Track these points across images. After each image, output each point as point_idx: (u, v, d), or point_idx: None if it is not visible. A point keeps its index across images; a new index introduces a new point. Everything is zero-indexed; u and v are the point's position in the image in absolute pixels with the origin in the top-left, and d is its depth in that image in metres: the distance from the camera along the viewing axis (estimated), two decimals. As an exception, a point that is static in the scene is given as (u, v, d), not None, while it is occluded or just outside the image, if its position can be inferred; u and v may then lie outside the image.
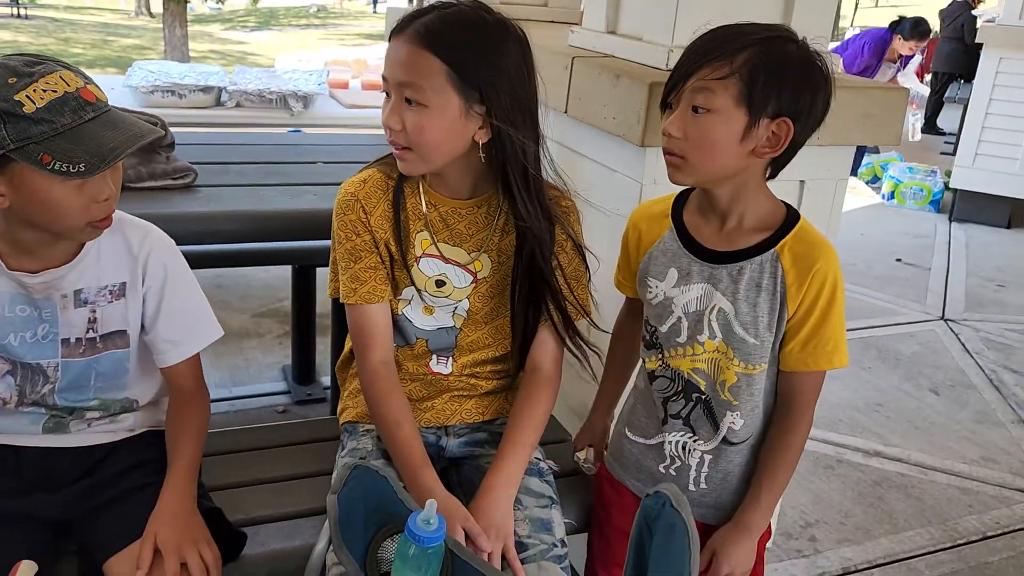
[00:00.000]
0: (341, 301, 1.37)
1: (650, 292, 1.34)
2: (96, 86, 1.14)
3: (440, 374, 1.44)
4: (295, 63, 7.90)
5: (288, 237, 1.84)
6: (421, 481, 1.27)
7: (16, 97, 1.04)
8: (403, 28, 1.23)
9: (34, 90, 1.05)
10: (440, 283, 1.37)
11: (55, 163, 1.05)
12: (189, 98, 3.50)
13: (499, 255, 1.38)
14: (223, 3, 20.26)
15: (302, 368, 2.93)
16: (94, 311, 1.25)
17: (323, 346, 2.96)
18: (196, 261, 2.34)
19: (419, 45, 1.20)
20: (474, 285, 1.38)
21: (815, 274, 1.23)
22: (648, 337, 1.37)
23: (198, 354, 1.35)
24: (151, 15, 18.44)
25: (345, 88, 4.25)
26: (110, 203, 1.17)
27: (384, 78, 1.26)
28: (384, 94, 1.27)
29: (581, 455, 1.57)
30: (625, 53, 1.75)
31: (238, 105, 3.64)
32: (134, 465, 1.31)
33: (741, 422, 1.31)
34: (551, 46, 1.94)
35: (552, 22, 2.72)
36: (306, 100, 3.70)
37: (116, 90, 3.80)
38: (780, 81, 1.16)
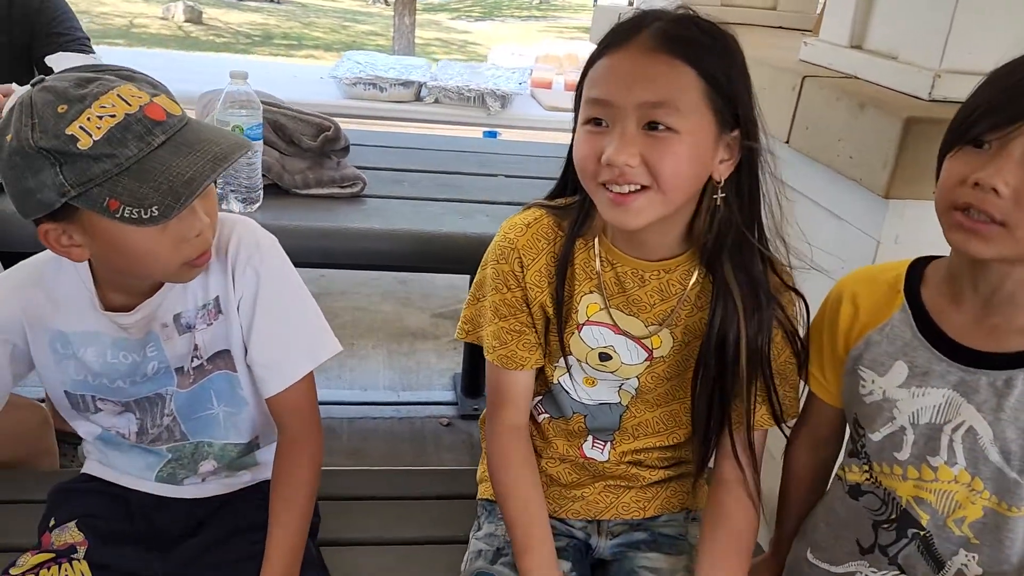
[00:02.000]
0: (482, 348, 1.15)
1: (863, 387, 1.02)
2: (168, 95, 0.95)
3: (593, 460, 1.19)
4: (508, 55, 7.93)
5: (449, 262, 1.66)
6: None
7: (68, 131, 0.86)
8: (631, 36, 0.95)
9: (88, 118, 0.87)
10: (605, 356, 1.11)
11: (123, 209, 0.88)
12: (390, 92, 3.49)
13: (684, 333, 1.10)
14: (451, -7, 21.03)
15: (472, 379, 2.81)
16: (195, 337, 1.11)
17: (497, 357, 2.82)
18: (366, 265, 2.24)
19: (668, 53, 0.93)
20: (648, 364, 1.12)
21: None
22: (853, 442, 1.05)
23: (311, 383, 1.14)
24: (386, 3, 19.47)
25: (548, 88, 4.10)
26: (204, 236, 1.00)
27: (601, 101, 0.95)
28: (591, 123, 0.97)
29: None
30: (874, 75, 1.42)
31: (436, 101, 3.59)
32: (244, 528, 1.16)
33: (979, 570, 0.96)
34: (776, 59, 1.63)
35: (779, 28, 2.38)
36: (504, 100, 3.59)
37: (323, 79, 3.90)
38: None
